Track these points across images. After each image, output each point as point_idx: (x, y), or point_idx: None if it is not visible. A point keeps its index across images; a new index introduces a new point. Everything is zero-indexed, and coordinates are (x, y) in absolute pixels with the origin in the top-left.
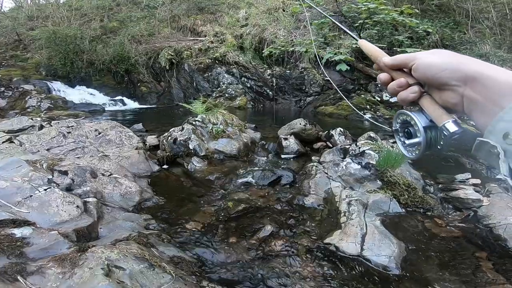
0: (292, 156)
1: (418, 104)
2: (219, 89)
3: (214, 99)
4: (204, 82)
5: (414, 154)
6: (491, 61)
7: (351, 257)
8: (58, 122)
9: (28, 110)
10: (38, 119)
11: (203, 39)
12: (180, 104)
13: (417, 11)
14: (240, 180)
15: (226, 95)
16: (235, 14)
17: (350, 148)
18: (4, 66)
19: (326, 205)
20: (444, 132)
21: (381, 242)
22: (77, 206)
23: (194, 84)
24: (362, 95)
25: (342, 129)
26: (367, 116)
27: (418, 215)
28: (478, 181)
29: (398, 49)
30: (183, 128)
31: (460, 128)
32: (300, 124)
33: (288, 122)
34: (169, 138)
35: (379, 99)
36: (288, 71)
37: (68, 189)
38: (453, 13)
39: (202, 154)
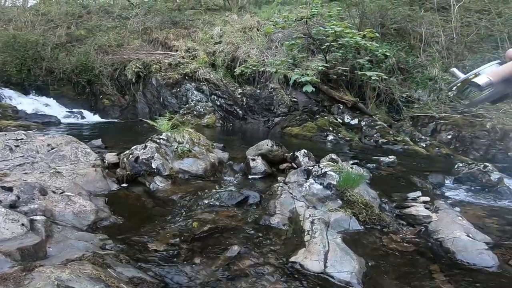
0: (259, 176)
1: None
2: (187, 106)
3: (182, 116)
4: (172, 98)
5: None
6: (438, 84)
7: (315, 274)
8: (6, 134)
9: None
10: None
11: (174, 53)
12: (144, 120)
13: (378, 35)
14: (206, 201)
15: (195, 113)
16: (209, 30)
17: (313, 169)
18: None
19: (291, 224)
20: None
21: (343, 259)
22: (22, 224)
23: (161, 100)
24: (326, 117)
25: (306, 151)
26: (330, 137)
27: (376, 231)
28: (427, 198)
29: (359, 72)
30: (145, 146)
31: (488, 80)
32: (267, 145)
33: (256, 142)
34: (130, 156)
35: (340, 121)
36: (258, 91)
37: (13, 206)
38: (409, 37)
39: (165, 174)
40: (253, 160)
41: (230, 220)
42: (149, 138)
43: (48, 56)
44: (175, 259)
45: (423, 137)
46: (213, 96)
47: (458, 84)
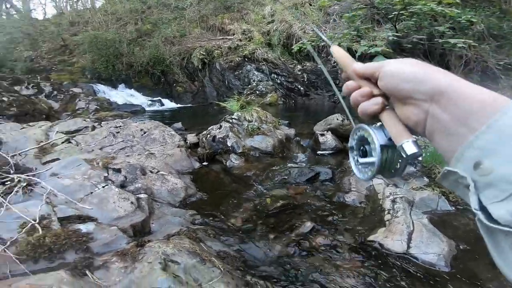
0: (329, 152)
1: (379, 119)
2: (249, 86)
3: (246, 96)
4: (235, 80)
5: (366, 176)
6: None
7: (396, 254)
8: (108, 123)
9: (78, 112)
10: (89, 120)
11: (232, 37)
12: (215, 102)
13: (457, 0)
14: (277, 177)
15: (257, 92)
16: (260, 11)
17: None
18: (55, 71)
19: (368, 202)
20: (402, 153)
21: (430, 240)
22: (131, 202)
23: (226, 83)
24: None
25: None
26: None
27: (470, 213)
28: None
29: (440, 40)
30: (220, 126)
31: (420, 150)
32: (337, 119)
33: (322, 118)
34: (208, 136)
35: None
36: (320, 66)
37: (122, 185)
38: (498, 1)
39: (239, 151)
40: (322, 135)
41: (302, 197)
42: (223, 118)
43: (126, 52)
44: (251, 234)
45: None
46: (273, 75)
47: None
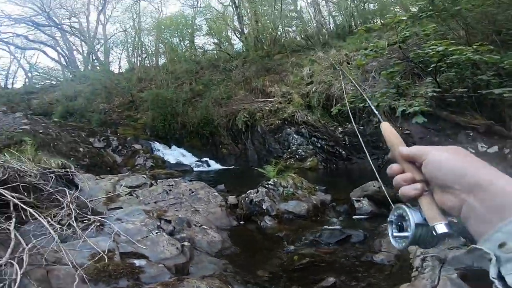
0: (365, 217)
1: (417, 201)
2: (289, 150)
3: (285, 160)
4: (275, 143)
5: (400, 245)
6: None
7: None
8: (162, 181)
9: (137, 167)
10: (146, 177)
11: (272, 99)
12: (255, 168)
13: (491, 47)
14: (307, 238)
15: (297, 156)
16: (299, 72)
17: None
18: (122, 125)
19: (398, 261)
20: (433, 232)
21: None
22: (177, 248)
23: (267, 146)
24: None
25: None
26: None
27: None
28: None
29: (484, 91)
30: (258, 191)
31: (450, 230)
32: (373, 186)
33: (364, 183)
34: (246, 199)
35: (473, 151)
36: (362, 127)
37: (171, 233)
38: None
39: (273, 214)
40: (358, 201)
41: (330, 256)
42: (260, 184)
43: (181, 111)
44: (276, 285)
45: None
46: (313, 138)
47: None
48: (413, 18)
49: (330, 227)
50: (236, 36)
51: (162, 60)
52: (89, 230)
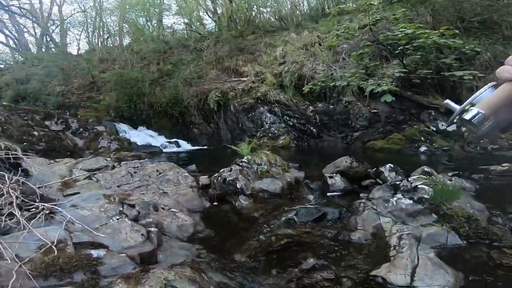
0: (338, 193)
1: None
2: (262, 129)
3: (258, 139)
4: (248, 122)
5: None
6: None
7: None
8: (126, 163)
9: (100, 150)
10: (109, 159)
11: (245, 79)
12: (228, 145)
13: (457, 31)
14: (284, 217)
15: (270, 135)
16: (272, 52)
17: (401, 184)
18: (83, 107)
19: (374, 239)
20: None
21: (434, 273)
22: (142, 234)
23: (240, 125)
24: (415, 126)
25: (392, 165)
26: (423, 148)
27: (483, 246)
28: None
29: (447, 73)
30: (231, 169)
31: (475, 119)
32: (345, 162)
33: (334, 160)
34: (219, 178)
35: (434, 129)
36: (332, 106)
37: (135, 219)
38: (500, 27)
39: (248, 193)
40: (331, 177)
41: (307, 235)
42: (233, 162)
43: (147, 91)
44: (254, 269)
45: None
46: (285, 117)
47: (457, 119)
48: (384, 3)
49: (306, 205)
50: (209, 16)
51: (126, 41)
52: (36, 219)
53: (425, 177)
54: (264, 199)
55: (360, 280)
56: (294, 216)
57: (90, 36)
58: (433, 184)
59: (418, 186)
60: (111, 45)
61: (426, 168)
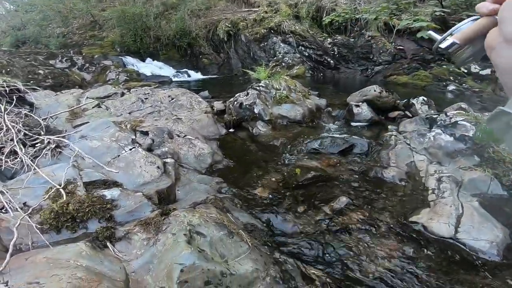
0: (364, 124)
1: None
2: (275, 58)
3: (271, 68)
4: (260, 52)
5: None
6: None
7: (442, 239)
8: (136, 90)
9: (109, 82)
10: (118, 87)
11: (257, 9)
12: (242, 70)
13: None
14: (307, 147)
15: (283, 64)
16: None
17: (438, 118)
18: (86, 46)
19: (410, 180)
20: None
21: (482, 226)
22: (158, 167)
23: (251, 54)
24: (444, 65)
25: (425, 98)
26: (451, 87)
27: None
28: None
29: None
30: (248, 93)
31: (450, 47)
32: (374, 90)
33: (352, 91)
34: (235, 102)
35: (466, 71)
36: (352, 40)
37: (149, 149)
38: None
39: (266, 119)
40: (357, 106)
41: (335, 169)
42: (250, 86)
43: (153, 25)
44: (279, 206)
45: None
46: (300, 47)
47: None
48: None
49: (330, 135)
50: None
51: None
52: (42, 155)
53: (466, 112)
54: (284, 126)
55: (397, 226)
56: (318, 146)
57: None
58: (476, 121)
59: (459, 121)
60: None
61: (463, 105)
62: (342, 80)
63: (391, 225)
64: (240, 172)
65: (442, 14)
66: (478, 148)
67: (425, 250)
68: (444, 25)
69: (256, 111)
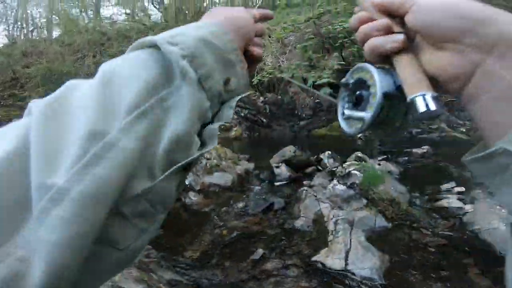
0: (284, 182)
1: (391, 62)
2: None
3: None
4: None
5: (353, 129)
6: None
7: (336, 271)
8: None
9: None
10: None
11: None
12: None
13: None
14: (234, 210)
15: (222, 127)
16: None
17: (337, 170)
18: (3, 106)
19: (315, 225)
20: (414, 108)
21: (363, 256)
22: None
23: None
24: None
25: (330, 152)
26: (359, 134)
27: (405, 227)
28: (462, 189)
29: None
30: None
31: (440, 109)
32: (290, 151)
33: (282, 149)
34: None
35: None
36: (280, 97)
37: None
38: None
39: (197, 188)
40: (277, 167)
41: (257, 226)
42: None
43: None
44: (207, 263)
45: (461, 121)
46: (237, 108)
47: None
48: None
49: (254, 197)
50: (154, 6)
51: (56, 33)
52: None
53: (357, 163)
54: (215, 193)
55: (304, 266)
56: (245, 208)
57: (11, 29)
58: (363, 169)
59: (351, 172)
60: (37, 38)
61: (359, 154)
62: (274, 138)
63: (300, 266)
64: (171, 238)
65: (340, 66)
66: (363, 192)
67: (325, 283)
68: (345, 74)
69: (187, 182)
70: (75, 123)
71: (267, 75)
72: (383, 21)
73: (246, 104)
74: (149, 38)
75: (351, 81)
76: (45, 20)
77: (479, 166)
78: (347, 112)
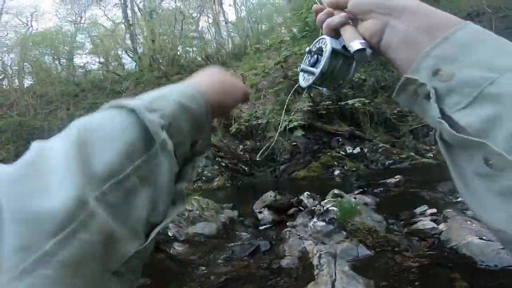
0: (269, 225)
1: (340, 33)
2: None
3: (192, 184)
4: None
5: (306, 82)
6: None
7: None
8: None
9: None
10: None
11: None
12: None
13: None
14: (221, 256)
15: (204, 178)
16: None
17: (316, 209)
18: None
19: (301, 262)
20: (349, 50)
21: (349, 284)
22: None
23: None
24: (328, 153)
25: (309, 193)
26: (336, 172)
27: (387, 253)
28: (434, 210)
29: (342, 103)
30: None
31: (366, 47)
32: (270, 196)
33: (264, 194)
34: None
35: (343, 153)
36: (259, 143)
37: None
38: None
39: (182, 239)
40: (260, 212)
41: (245, 270)
42: None
43: None
44: None
45: (427, 147)
46: (217, 159)
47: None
48: (293, 39)
49: (241, 242)
50: (128, 55)
51: (28, 82)
52: None
53: (334, 199)
54: (200, 242)
55: None
56: (231, 254)
57: None
58: (339, 204)
59: (329, 208)
60: (8, 87)
61: (336, 191)
62: (257, 184)
63: None
64: None
65: (310, 107)
66: (341, 225)
67: None
68: (316, 114)
69: (170, 234)
70: (55, 187)
71: (244, 123)
72: (329, 9)
73: (226, 154)
74: (128, 104)
75: (314, 49)
76: (16, 68)
77: (401, 98)
78: (302, 66)
